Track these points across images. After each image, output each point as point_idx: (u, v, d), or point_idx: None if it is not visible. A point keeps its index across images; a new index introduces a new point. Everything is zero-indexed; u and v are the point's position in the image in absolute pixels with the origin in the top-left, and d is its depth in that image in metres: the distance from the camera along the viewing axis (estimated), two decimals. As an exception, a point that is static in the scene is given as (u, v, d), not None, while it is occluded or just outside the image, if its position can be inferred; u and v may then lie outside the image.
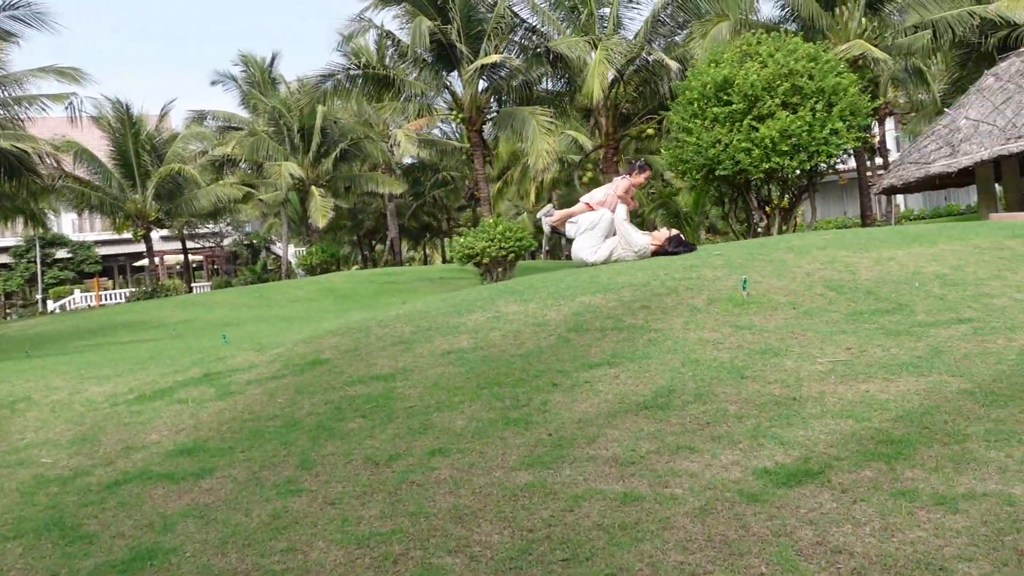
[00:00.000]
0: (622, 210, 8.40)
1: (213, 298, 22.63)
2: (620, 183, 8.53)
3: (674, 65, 19.54)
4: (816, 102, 16.19)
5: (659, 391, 4.08)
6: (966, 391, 3.64)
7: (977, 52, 22.65)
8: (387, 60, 21.95)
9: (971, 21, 20.07)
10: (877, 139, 32.07)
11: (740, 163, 16.77)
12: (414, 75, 21.93)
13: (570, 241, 8.70)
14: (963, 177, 16.26)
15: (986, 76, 16.26)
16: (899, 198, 43.97)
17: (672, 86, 19.51)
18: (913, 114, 30.57)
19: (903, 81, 26.97)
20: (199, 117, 38.04)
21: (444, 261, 58.09)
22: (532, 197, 44.01)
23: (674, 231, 8.34)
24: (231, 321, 18.37)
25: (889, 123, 37.05)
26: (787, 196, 18.72)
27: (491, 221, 20.03)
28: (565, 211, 8.83)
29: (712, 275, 6.48)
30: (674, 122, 18.30)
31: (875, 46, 19.29)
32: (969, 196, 43.49)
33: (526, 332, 5.51)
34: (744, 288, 5.75)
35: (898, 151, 37.03)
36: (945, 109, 16.70)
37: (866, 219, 22.07)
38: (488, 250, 19.61)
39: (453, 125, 44.14)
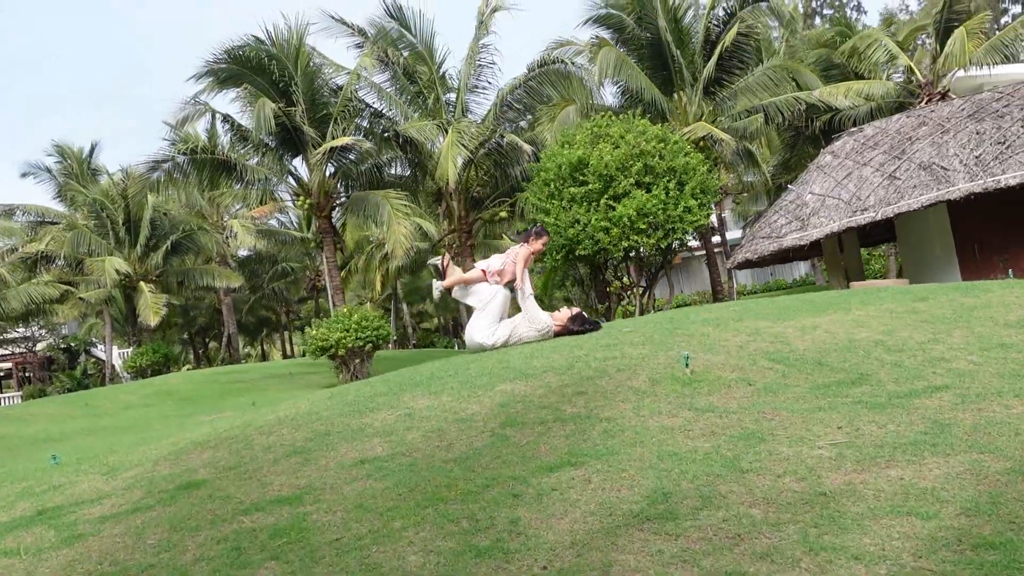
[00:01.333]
0: (528, 283, 7.75)
1: (28, 410, 20.02)
2: (520, 251, 7.87)
3: (527, 147, 19.46)
4: (668, 181, 16.44)
5: (652, 495, 3.33)
6: (1014, 470, 3.12)
7: (803, 135, 24.15)
8: (225, 145, 20.69)
9: (797, 106, 21.34)
10: (714, 218, 33.54)
11: (600, 242, 16.71)
12: (255, 160, 20.78)
13: (466, 307, 8.04)
14: (810, 249, 16.88)
15: (823, 154, 17.09)
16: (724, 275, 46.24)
17: (526, 167, 19.41)
18: (745, 194, 32.21)
19: (734, 163, 28.38)
20: (7, 212, 34.80)
21: (284, 356, 55.48)
22: (378, 286, 42.96)
23: (575, 309, 7.74)
24: (55, 436, 16.14)
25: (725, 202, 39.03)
26: (644, 274, 18.86)
27: (346, 310, 18.93)
28: (459, 276, 8.04)
29: (637, 353, 5.88)
30: (531, 203, 18.14)
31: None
32: (793, 271, 46.41)
33: (451, 431, 4.65)
34: (687, 365, 5.16)
35: (738, 229, 38.92)
36: (789, 186, 17.36)
37: (717, 294, 22.62)
38: (344, 341, 18.45)
39: (292, 215, 42.79)
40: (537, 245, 7.95)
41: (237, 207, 36.30)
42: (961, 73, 20.73)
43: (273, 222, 42.32)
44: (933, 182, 13.84)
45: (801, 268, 46.73)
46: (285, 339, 56.66)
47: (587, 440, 4.18)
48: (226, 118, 19.75)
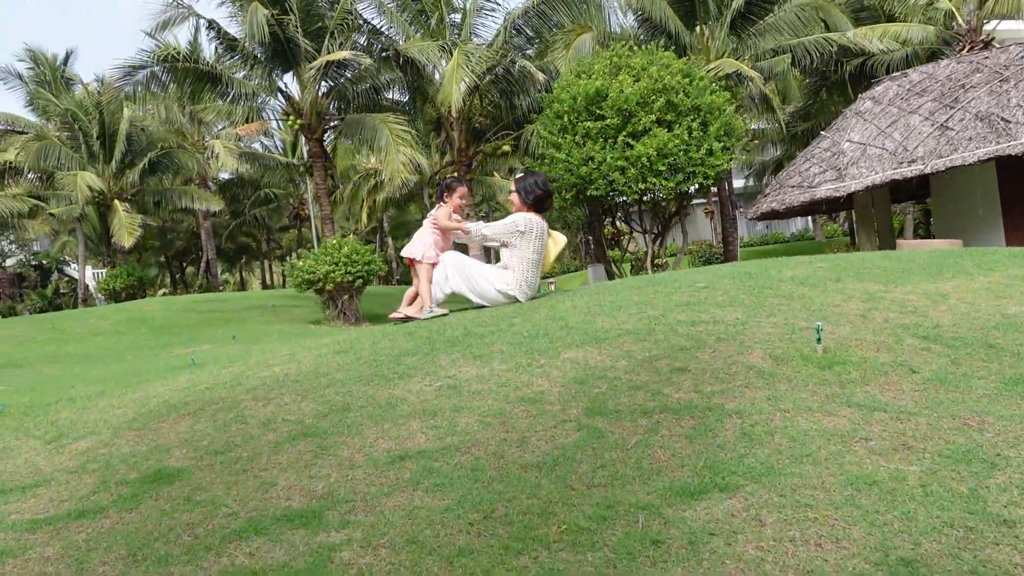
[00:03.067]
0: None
1: (-11, 331, 18.63)
2: (438, 214, 6.58)
3: (540, 75, 17.97)
4: (692, 120, 15.16)
5: (885, 562, 2.13)
6: None
7: (829, 81, 22.74)
8: (210, 56, 19.03)
9: (828, 47, 19.90)
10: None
11: (614, 183, 15.46)
12: (242, 74, 19.14)
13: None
14: (844, 203, 15.69)
15: (862, 100, 15.75)
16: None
17: (537, 98, 17.95)
18: (755, 141, 30.85)
19: (747, 107, 26.97)
20: (-26, 118, 32.72)
21: (264, 286, 54.02)
22: (364, 218, 41.39)
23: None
24: (15, 360, 14.81)
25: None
26: (657, 220, 17.64)
27: (335, 241, 17.57)
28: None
29: (731, 317, 4.66)
30: (541, 136, 16.78)
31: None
32: (791, 226, 45.27)
33: (517, 416, 3.42)
34: (818, 340, 3.95)
35: (741, 178, 37.65)
36: (823, 133, 16.05)
37: (729, 246, 21.43)
38: (332, 275, 17.13)
39: (277, 139, 40.95)
40: (456, 199, 6.64)
41: (220, 127, 34.47)
42: (1011, 25, 19.37)
43: (257, 145, 40.54)
44: (992, 135, 12.60)
45: (798, 223, 45.64)
46: (265, 268, 55.12)
47: (723, 446, 2.97)
48: (211, 24, 18.06)
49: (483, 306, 6.24)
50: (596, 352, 4.20)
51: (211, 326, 18.33)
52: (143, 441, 3.75)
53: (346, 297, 17.54)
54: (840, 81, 22.08)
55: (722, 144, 15.35)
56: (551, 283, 33.87)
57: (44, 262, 46.82)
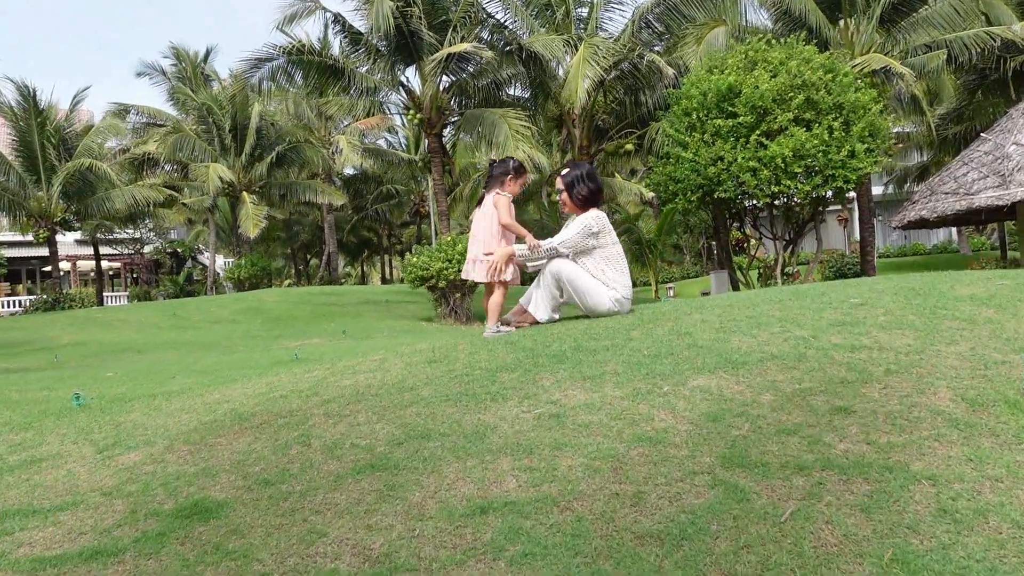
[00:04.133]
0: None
1: (119, 314, 19.23)
2: (501, 202, 5.58)
3: (669, 70, 17.05)
4: (834, 119, 13.96)
5: None
6: None
7: (988, 80, 20.81)
8: (335, 49, 19.06)
9: (991, 43, 18.09)
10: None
11: (744, 185, 14.44)
12: (365, 67, 19.02)
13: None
14: (1005, 213, 14.14)
15: (1032, 98, 14.16)
16: (858, 233, 42.51)
17: (665, 94, 17.04)
18: (899, 145, 28.78)
19: (890, 108, 25.16)
20: (121, 111, 34.27)
21: (384, 281, 54.81)
22: (482, 216, 41.19)
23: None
24: (133, 345, 15.10)
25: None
26: (790, 226, 16.44)
27: (449, 239, 17.18)
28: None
29: (899, 343, 3.79)
30: (667, 134, 15.88)
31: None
32: (932, 237, 42.30)
33: (635, 461, 2.71)
34: (1029, 382, 3.05)
35: (879, 185, 35.42)
36: (983, 135, 14.51)
37: (867, 256, 19.87)
38: (445, 272, 16.76)
39: (401, 135, 41.30)
40: (516, 187, 5.79)
41: (345, 123, 34.97)
42: None
43: (381, 142, 41.02)
44: None
45: (940, 234, 42.60)
46: (385, 262, 55.92)
47: (915, 528, 2.17)
48: (337, 18, 18.00)
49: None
50: (732, 380, 3.42)
51: (324, 319, 18.30)
52: (194, 460, 3.23)
53: (458, 295, 17.14)
54: (1001, 80, 20.13)
55: (866, 146, 14.15)
56: (670, 289, 32.71)
57: (179, 250, 48.88)
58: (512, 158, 5.95)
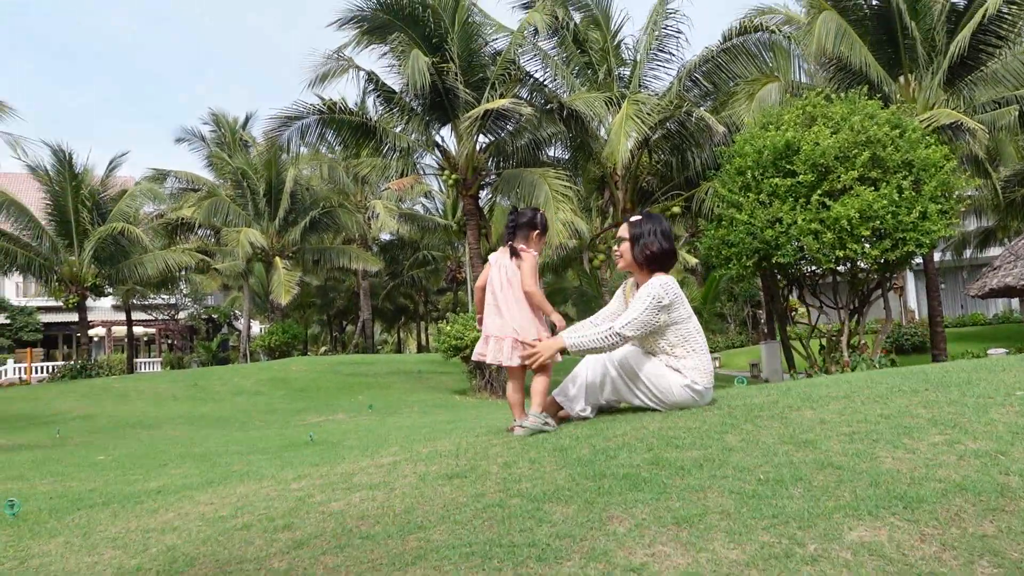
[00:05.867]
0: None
1: (137, 384, 18.31)
2: (528, 262, 4.38)
3: (719, 127, 16.02)
4: (903, 178, 12.76)
5: None
6: None
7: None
8: (368, 108, 18.37)
9: (1067, 98, 16.86)
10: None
11: (806, 248, 13.23)
12: (399, 128, 18.26)
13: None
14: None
15: None
16: (913, 303, 40.72)
17: (716, 152, 16.00)
18: (961, 208, 27.25)
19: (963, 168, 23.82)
20: (160, 176, 34.19)
21: (419, 348, 53.77)
22: (520, 282, 40.14)
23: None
24: (144, 419, 14.08)
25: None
26: (856, 294, 15.11)
27: (486, 307, 16.03)
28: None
29: None
30: (719, 195, 14.77)
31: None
32: (992, 306, 40.30)
33: None
34: None
35: (938, 251, 33.77)
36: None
37: (936, 327, 18.32)
38: (480, 342, 15.56)
39: (438, 201, 40.71)
40: (541, 246, 4.55)
41: (382, 187, 34.45)
42: None
43: (418, 207, 40.47)
44: None
45: (999, 304, 40.62)
46: (421, 329, 54.99)
47: None
48: (370, 76, 17.30)
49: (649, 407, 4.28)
50: (914, 534, 2.19)
51: (351, 391, 17.19)
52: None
53: (494, 368, 15.92)
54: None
55: (939, 206, 12.92)
56: (715, 359, 31.01)
57: (214, 316, 48.47)
58: (539, 210, 4.73)
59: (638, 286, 4.40)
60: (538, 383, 4.34)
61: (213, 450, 8.96)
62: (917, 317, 39.08)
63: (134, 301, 38.27)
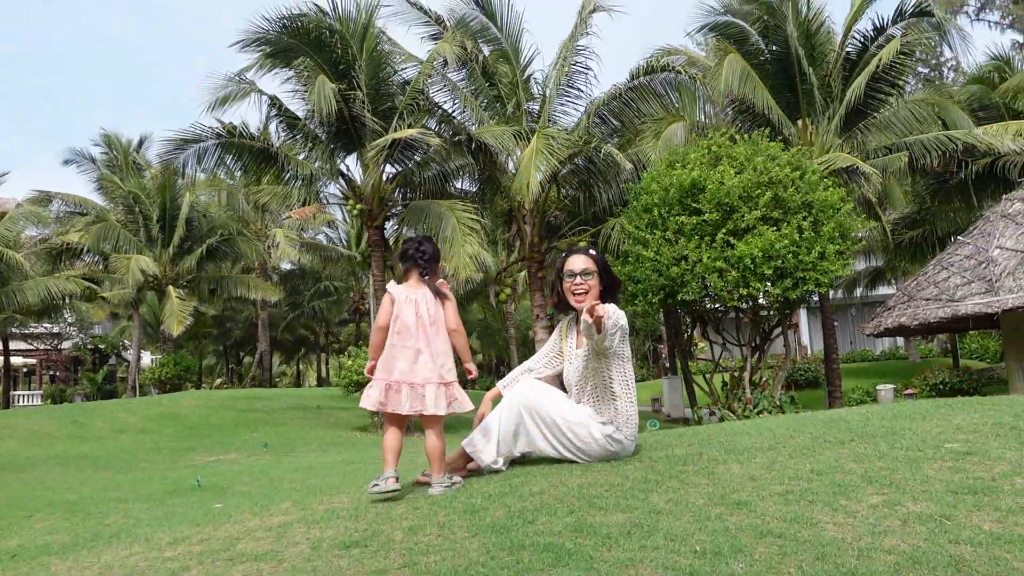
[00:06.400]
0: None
1: (9, 420, 16.95)
2: (452, 301, 4.16)
3: (627, 164, 16.11)
4: (804, 218, 13.09)
5: None
6: None
7: (947, 184, 20.43)
8: (271, 133, 17.73)
9: (951, 146, 17.66)
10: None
11: (711, 287, 13.37)
12: (303, 154, 17.70)
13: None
14: (991, 321, 13.18)
15: (1009, 201, 13.49)
16: (806, 339, 42.11)
17: (626, 188, 16.05)
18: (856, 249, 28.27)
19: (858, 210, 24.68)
20: (44, 199, 32.24)
21: (320, 381, 52.39)
22: (425, 315, 39.57)
23: None
24: (14, 461, 12.96)
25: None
26: (757, 331, 15.32)
27: (389, 340, 15.56)
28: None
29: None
30: (626, 231, 14.84)
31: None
32: (876, 344, 41.97)
33: None
34: None
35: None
36: (959, 238, 13.73)
37: (832, 364, 18.77)
38: (383, 378, 15.05)
39: (341, 230, 39.94)
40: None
41: (283, 216, 33.51)
42: None
43: (321, 237, 39.59)
44: None
45: (885, 341, 42.35)
46: (322, 361, 53.65)
47: None
48: (273, 101, 16.71)
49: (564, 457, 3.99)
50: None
51: (246, 427, 16.36)
52: None
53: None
54: (960, 184, 19.74)
55: (836, 247, 13.26)
56: (651, 421, 31.48)
57: (101, 346, 46.11)
58: (413, 243, 4.25)
59: (576, 322, 4.18)
60: (435, 444, 3.92)
61: (88, 496, 8.22)
62: (810, 353, 40.39)
63: (12, 330, 36.00)
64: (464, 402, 3.86)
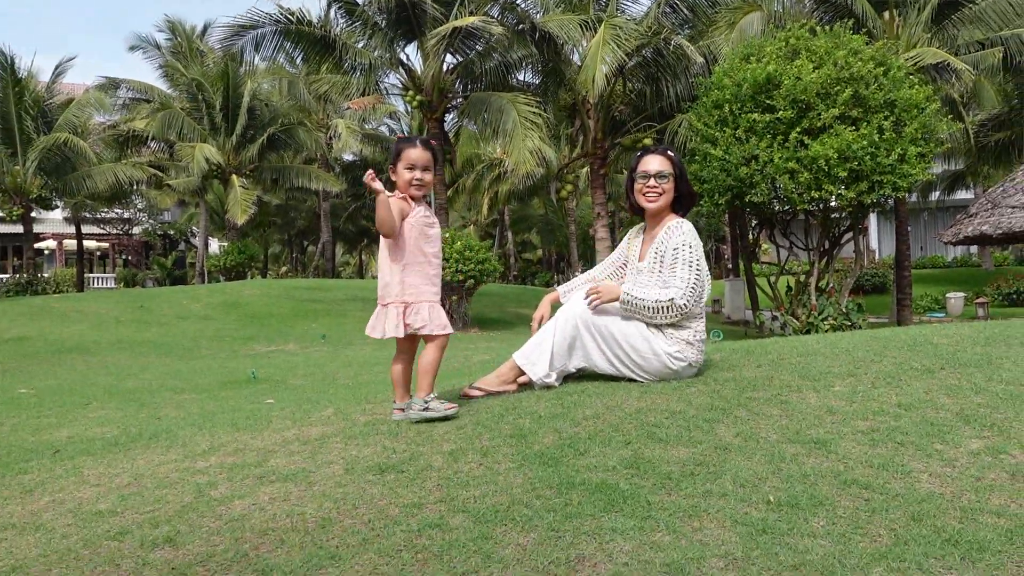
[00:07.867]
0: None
1: (78, 304, 17.41)
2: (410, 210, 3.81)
3: (698, 56, 15.25)
4: (885, 118, 12.20)
5: None
6: None
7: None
8: (330, 21, 17.18)
9: (1053, 41, 16.28)
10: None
11: (781, 189, 12.72)
12: (362, 43, 17.19)
13: None
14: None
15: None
16: (875, 243, 40.81)
17: (693, 83, 15.24)
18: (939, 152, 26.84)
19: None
20: (111, 85, 32.30)
21: (381, 271, 52.85)
22: (484, 210, 39.41)
23: None
24: (82, 344, 13.30)
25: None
26: (827, 235, 14.65)
27: (448, 235, 15.38)
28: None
29: None
30: (694, 128, 14.12)
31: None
32: (951, 249, 40.41)
33: None
34: None
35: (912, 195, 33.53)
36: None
37: (904, 271, 18.00)
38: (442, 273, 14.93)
39: (404, 123, 39.47)
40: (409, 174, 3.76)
41: (344, 107, 33.10)
42: None
43: (383, 128, 39.22)
44: None
45: (959, 248, 40.76)
46: (383, 253, 54.02)
47: None
48: (333, -15, 16.14)
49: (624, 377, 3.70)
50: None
51: (305, 317, 16.52)
52: None
53: (455, 298, 15.36)
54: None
55: (919, 149, 12.39)
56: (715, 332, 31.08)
57: (170, 232, 47.10)
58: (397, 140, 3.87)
59: (645, 232, 3.90)
60: (429, 358, 3.64)
61: (146, 385, 8.32)
62: (878, 257, 39.20)
63: (85, 215, 36.85)
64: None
